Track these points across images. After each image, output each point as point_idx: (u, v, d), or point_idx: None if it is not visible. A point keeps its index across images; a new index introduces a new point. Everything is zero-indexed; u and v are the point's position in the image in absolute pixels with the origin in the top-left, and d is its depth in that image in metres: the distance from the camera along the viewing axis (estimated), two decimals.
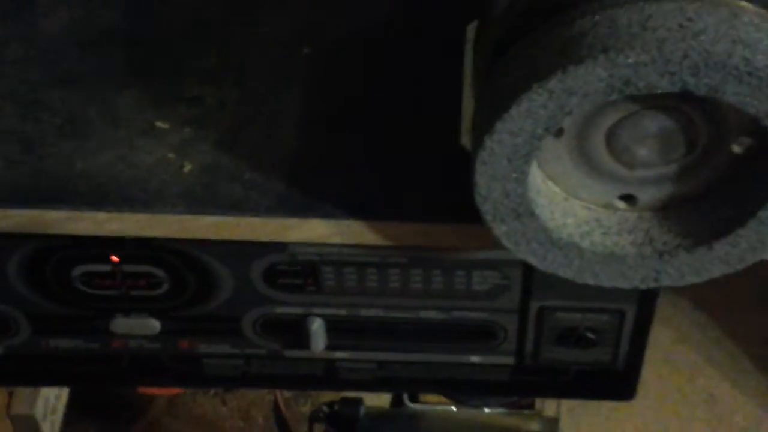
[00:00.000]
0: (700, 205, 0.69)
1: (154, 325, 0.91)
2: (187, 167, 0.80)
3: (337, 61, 0.86)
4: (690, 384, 1.70)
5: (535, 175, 0.69)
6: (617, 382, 0.93)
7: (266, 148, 0.81)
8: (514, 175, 0.66)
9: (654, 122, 0.66)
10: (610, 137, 0.67)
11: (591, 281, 0.71)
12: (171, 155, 0.80)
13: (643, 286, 0.71)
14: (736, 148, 0.66)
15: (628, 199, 0.71)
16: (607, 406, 1.65)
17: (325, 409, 1.11)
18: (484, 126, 0.64)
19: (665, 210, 0.70)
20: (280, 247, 0.84)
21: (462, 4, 0.76)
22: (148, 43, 0.88)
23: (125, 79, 0.85)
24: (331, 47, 0.87)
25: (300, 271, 0.86)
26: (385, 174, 0.79)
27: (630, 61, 0.59)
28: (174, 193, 0.78)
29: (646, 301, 0.86)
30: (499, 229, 0.69)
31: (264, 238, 0.79)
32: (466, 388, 0.97)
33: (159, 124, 0.82)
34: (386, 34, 0.87)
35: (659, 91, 0.60)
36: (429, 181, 0.77)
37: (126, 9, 0.90)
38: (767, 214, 0.66)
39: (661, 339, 1.73)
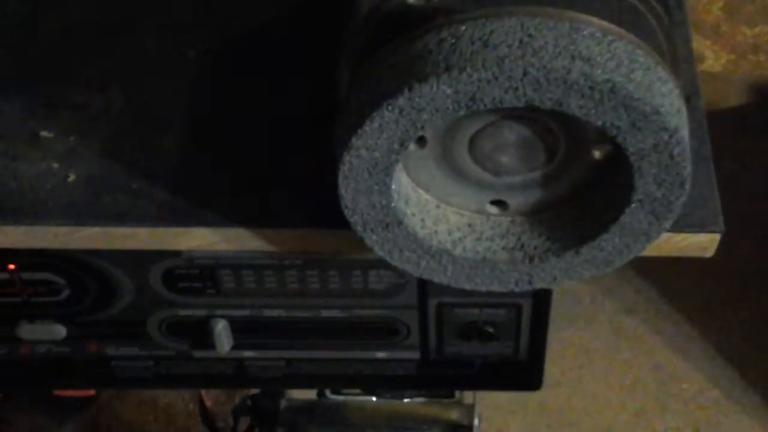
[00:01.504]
0: (567, 210, 0.70)
1: (60, 330, 0.92)
2: (72, 177, 0.80)
3: (222, 63, 0.86)
4: (636, 353, 1.72)
5: (405, 184, 0.69)
6: (522, 373, 0.94)
7: (151, 156, 0.81)
8: (377, 187, 0.66)
9: (512, 131, 0.66)
10: (473, 146, 0.67)
11: (467, 286, 0.72)
12: (56, 165, 0.80)
13: (518, 289, 0.72)
14: (596, 154, 0.66)
15: (499, 204, 0.71)
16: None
17: (248, 402, 1.12)
18: (342, 141, 0.65)
19: (536, 214, 0.71)
20: (175, 251, 0.84)
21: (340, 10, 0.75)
22: (32, 48, 0.87)
23: (9, 87, 0.85)
24: (216, 49, 0.87)
25: (198, 274, 0.87)
26: (266, 180, 0.79)
27: (472, 78, 0.59)
28: (59, 204, 0.78)
29: (542, 294, 0.87)
30: (371, 239, 0.70)
31: (151, 248, 0.80)
32: (376, 382, 0.97)
33: (44, 133, 0.82)
34: (270, 35, 0.87)
35: (505, 106, 0.61)
36: (309, 188, 0.77)
37: (8, 14, 0.89)
38: (628, 219, 0.66)
39: (606, 309, 1.75)
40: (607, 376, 1.69)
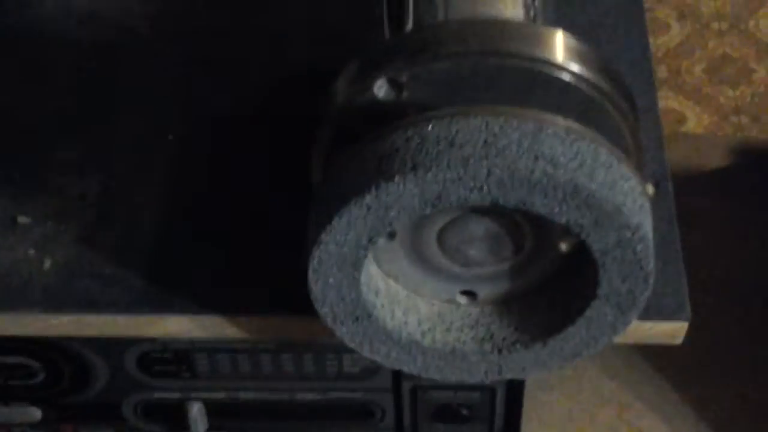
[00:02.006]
0: (535, 301, 0.70)
1: (35, 413, 0.92)
2: (48, 264, 0.80)
3: (201, 147, 0.87)
4: (618, 418, 1.71)
5: (374, 275, 0.70)
6: None
7: (126, 243, 0.81)
8: (346, 281, 0.67)
9: (480, 225, 0.66)
10: (441, 239, 0.68)
11: (437, 377, 0.72)
12: (32, 251, 0.81)
13: (487, 380, 0.72)
14: (563, 247, 0.67)
15: (469, 294, 0.71)
16: None
17: None
18: (312, 236, 0.65)
19: (505, 305, 0.71)
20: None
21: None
22: (10, 132, 0.88)
23: None
24: (195, 133, 0.88)
25: (173, 358, 0.87)
26: (240, 268, 0.79)
27: (438, 178, 0.60)
28: (34, 291, 0.79)
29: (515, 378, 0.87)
30: (341, 331, 0.70)
31: (125, 335, 0.80)
32: None
33: (21, 218, 0.82)
34: (250, 120, 0.88)
35: (471, 204, 0.61)
36: (284, 276, 0.78)
37: None
38: (594, 312, 0.67)
39: (589, 373, 1.74)
40: None
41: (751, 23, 2.33)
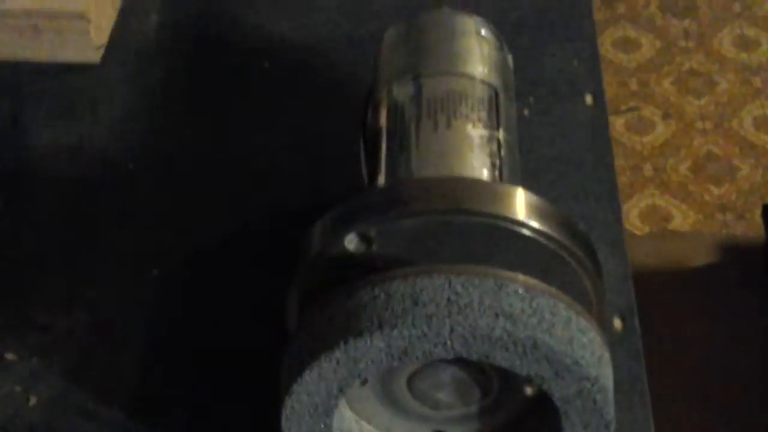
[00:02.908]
0: None
1: None
2: (33, 401, 0.82)
3: (187, 283, 0.90)
4: None
5: (348, 419, 0.72)
6: None
7: (110, 379, 0.84)
8: (318, 428, 0.69)
9: (447, 372, 0.69)
10: (411, 385, 0.70)
11: None
12: (18, 388, 0.83)
13: None
14: (528, 391, 0.69)
15: None
16: None
17: None
18: (285, 385, 0.68)
19: None
20: None
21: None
22: None
23: None
24: (180, 268, 0.91)
25: None
26: (220, 412, 0.81)
27: (403, 335, 0.63)
28: (18, 429, 0.81)
29: None
30: None
31: None
32: None
33: (8, 355, 0.85)
34: (235, 253, 0.91)
35: (435, 359, 0.64)
36: (263, 420, 0.79)
37: None
38: None
39: None
40: None
41: (735, 122, 2.37)
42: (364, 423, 0.74)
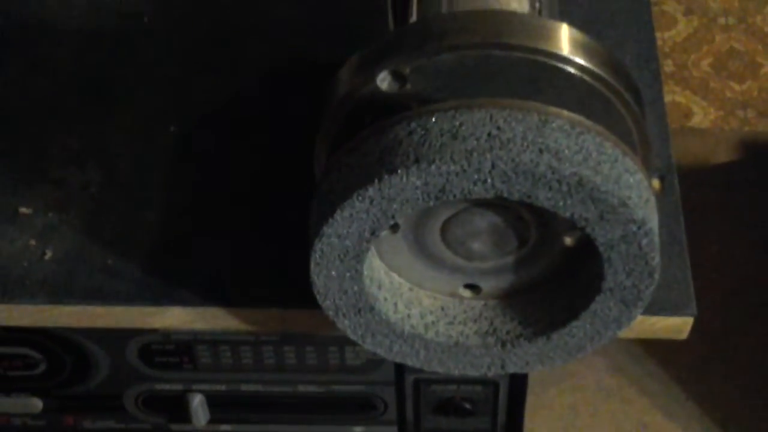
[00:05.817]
0: (539, 296, 0.70)
1: (36, 403, 0.91)
2: (49, 254, 0.80)
3: (204, 140, 0.86)
4: (622, 413, 1.71)
5: (377, 268, 0.69)
6: None
7: (127, 233, 0.81)
8: (348, 273, 0.66)
9: (484, 219, 0.66)
10: (445, 232, 0.67)
11: (440, 370, 0.72)
12: (33, 242, 0.80)
13: (491, 374, 0.72)
14: (567, 241, 0.66)
15: (472, 287, 0.71)
16: None
17: None
18: (314, 228, 0.65)
19: (508, 299, 0.71)
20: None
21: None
22: (10, 123, 0.87)
23: None
24: (198, 126, 0.87)
25: (175, 349, 0.87)
26: (242, 260, 0.79)
27: (441, 171, 0.59)
28: (34, 281, 0.78)
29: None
30: (343, 324, 0.70)
31: (125, 326, 0.79)
32: None
33: (22, 209, 0.82)
34: (253, 113, 0.87)
35: (475, 197, 0.61)
36: (285, 268, 0.77)
37: None
38: (599, 306, 0.66)
39: (594, 367, 1.74)
40: None
41: (758, 18, 2.32)
42: (394, 275, 0.71)
